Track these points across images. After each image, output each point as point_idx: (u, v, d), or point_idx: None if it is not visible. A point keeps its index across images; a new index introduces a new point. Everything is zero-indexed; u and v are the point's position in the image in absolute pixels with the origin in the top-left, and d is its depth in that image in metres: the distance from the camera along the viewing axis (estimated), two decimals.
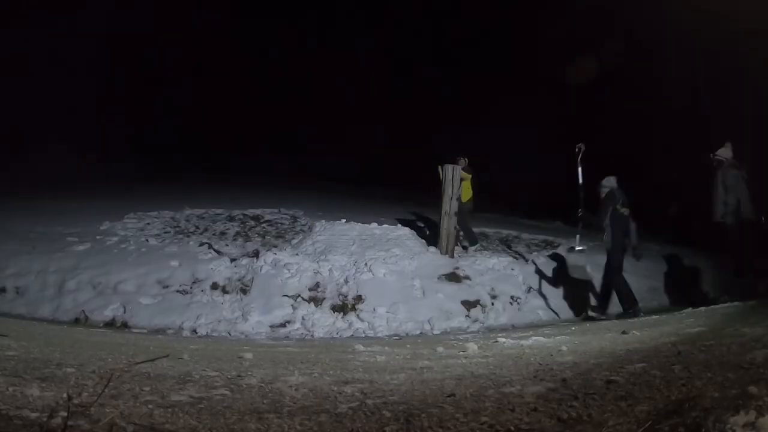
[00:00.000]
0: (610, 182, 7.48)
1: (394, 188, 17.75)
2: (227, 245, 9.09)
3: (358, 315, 7.13)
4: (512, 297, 7.92)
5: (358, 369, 3.66)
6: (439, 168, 9.03)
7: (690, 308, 7.05)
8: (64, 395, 2.12)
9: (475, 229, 10.48)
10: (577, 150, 7.73)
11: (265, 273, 7.72)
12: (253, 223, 11.05)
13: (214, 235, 9.91)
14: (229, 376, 3.24)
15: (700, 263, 9.79)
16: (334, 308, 7.28)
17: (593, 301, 7.97)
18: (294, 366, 3.71)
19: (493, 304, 7.68)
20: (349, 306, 7.30)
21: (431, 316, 7.15)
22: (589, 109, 17.89)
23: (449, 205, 8.78)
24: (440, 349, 4.66)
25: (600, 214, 7.33)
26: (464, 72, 21.85)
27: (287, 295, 7.33)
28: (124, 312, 7.05)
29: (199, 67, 23.09)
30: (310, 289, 7.52)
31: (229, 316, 7.03)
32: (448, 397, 2.65)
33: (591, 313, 7.76)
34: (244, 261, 8.03)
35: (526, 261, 8.95)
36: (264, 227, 10.70)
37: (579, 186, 7.67)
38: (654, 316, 7.14)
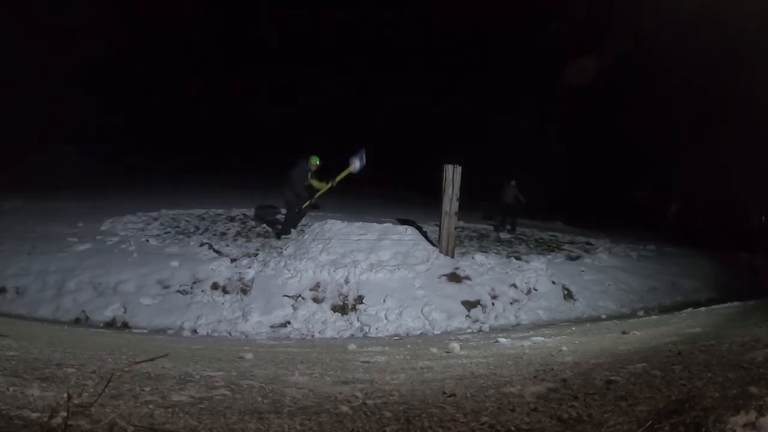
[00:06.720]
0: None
1: (394, 189, 17.77)
2: (228, 245, 9.09)
3: (358, 315, 7.12)
4: (513, 297, 7.90)
5: (358, 369, 3.66)
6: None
7: (690, 308, 7.06)
8: (65, 395, 2.12)
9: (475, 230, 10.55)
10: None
11: (265, 273, 7.72)
12: (253, 223, 11.05)
13: (214, 235, 9.91)
14: (229, 377, 3.24)
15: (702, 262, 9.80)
16: (335, 308, 7.27)
17: None
18: (294, 366, 3.71)
19: (493, 304, 7.66)
20: (350, 306, 7.29)
21: (432, 317, 7.14)
22: (587, 110, 17.90)
23: (449, 205, 8.76)
24: (436, 349, 4.66)
25: None
26: (464, 72, 21.86)
27: (288, 295, 7.33)
28: (125, 312, 7.04)
29: (198, 67, 23.09)
30: (310, 289, 7.51)
31: (230, 316, 7.02)
32: (449, 397, 2.65)
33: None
34: (245, 261, 8.03)
35: (527, 261, 8.93)
36: (264, 227, 10.70)
37: None
38: (654, 316, 7.15)
